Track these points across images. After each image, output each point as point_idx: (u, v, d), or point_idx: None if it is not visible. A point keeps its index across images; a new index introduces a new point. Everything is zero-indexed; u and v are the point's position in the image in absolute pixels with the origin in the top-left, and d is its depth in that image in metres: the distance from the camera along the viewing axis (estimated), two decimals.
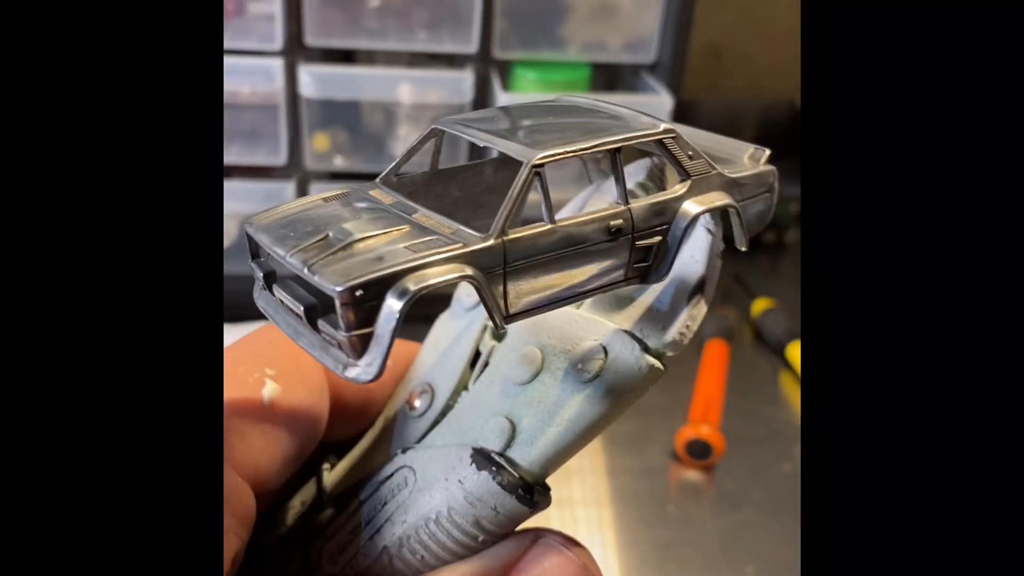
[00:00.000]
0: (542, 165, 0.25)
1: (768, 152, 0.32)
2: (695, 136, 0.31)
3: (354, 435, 0.33)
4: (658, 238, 0.28)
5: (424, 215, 0.25)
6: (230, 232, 0.83)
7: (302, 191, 0.84)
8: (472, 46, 0.80)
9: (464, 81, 0.81)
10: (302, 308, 0.23)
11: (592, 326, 0.29)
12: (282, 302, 0.24)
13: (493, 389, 0.30)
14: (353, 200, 0.26)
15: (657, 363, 0.28)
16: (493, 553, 0.26)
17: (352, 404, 0.32)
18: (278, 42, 0.77)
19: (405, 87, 0.82)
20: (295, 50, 0.78)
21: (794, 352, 0.83)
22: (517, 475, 0.28)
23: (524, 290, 0.25)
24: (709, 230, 0.29)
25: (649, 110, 0.30)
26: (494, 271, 0.24)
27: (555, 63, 0.82)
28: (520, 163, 0.25)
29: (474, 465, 0.28)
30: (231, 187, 0.81)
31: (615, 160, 0.27)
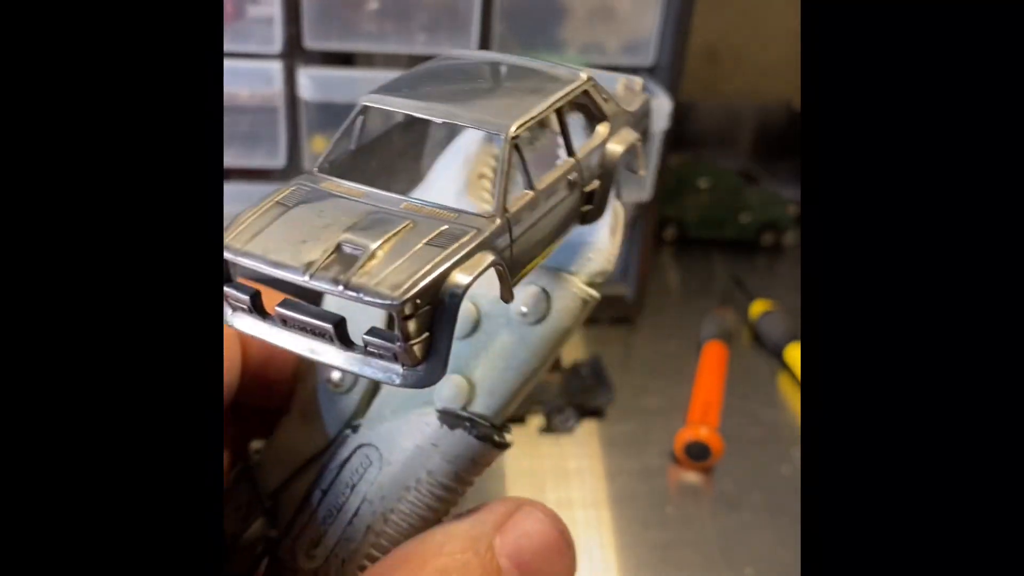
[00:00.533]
0: (517, 136, 0.25)
1: (642, 80, 0.34)
2: None
3: (262, 400, 0.33)
4: (598, 182, 0.29)
5: (410, 204, 0.25)
6: None
7: None
8: (471, 48, 0.80)
9: None
10: (331, 326, 0.23)
11: None
12: (287, 322, 0.23)
13: None
14: (317, 198, 0.25)
15: (595, 292, 0.30)
16: (482, 517, 0.27)
17: (255, 359, 0.32)
18: (277, 45, 0.77)
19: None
20: (294, 53, 0.78)
21: (792, 354, 0.83)
22: (488, 423, 0.29)
23: (521, 258, 0.26)
24: None
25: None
26: (504, 249, 0.25)
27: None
28: (483, 134, 0.26)
29: (445, 426, 0.29)
30: (229, 189, 0.81)
31: (560, 116, 0.28)
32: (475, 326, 0.30)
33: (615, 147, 0.30)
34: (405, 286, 0.21)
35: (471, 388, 0.29)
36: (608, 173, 0.30)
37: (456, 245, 0.23)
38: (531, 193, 0.26)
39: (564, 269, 0.30)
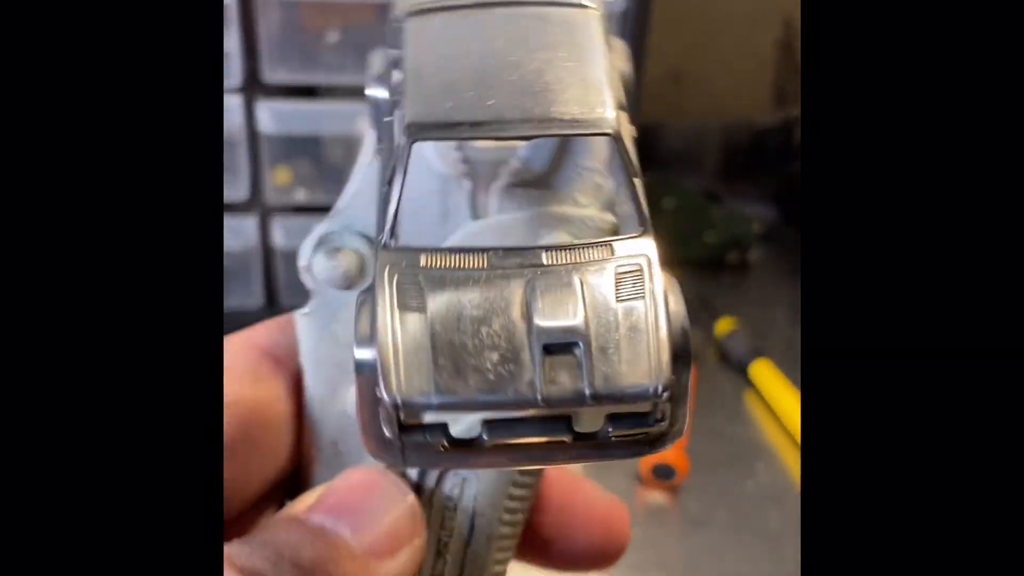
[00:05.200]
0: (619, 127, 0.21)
1: None
2: None
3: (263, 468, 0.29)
4: (625, 115, 0.25)
5: (551, 253, 0.20)
6: None
7: (264, 225, 0.84)
8: None
9: None
10: (568, 434, 0.19)
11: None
12: (499, 447, 0.20)
13: None
14: (440, 288, 0.20)
15: (613, 217, 0.27)
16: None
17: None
18: (235, 79, 0.78)
19: (365, 121, 0.83)
20: (253, 86, 0.79)
21: (757, 370, 0.84)
22: None
23: None
24: None
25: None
26: None
27: None
28: (602, 136, 0.21)
29: None
30: None
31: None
32: None
33: (624, 66, 0.25)
34: (653, 364, 0.18)
35: None
36: (628, 99, 0.25)
37: (651, 287, 0.20)
38: (641, 180, 0.22)
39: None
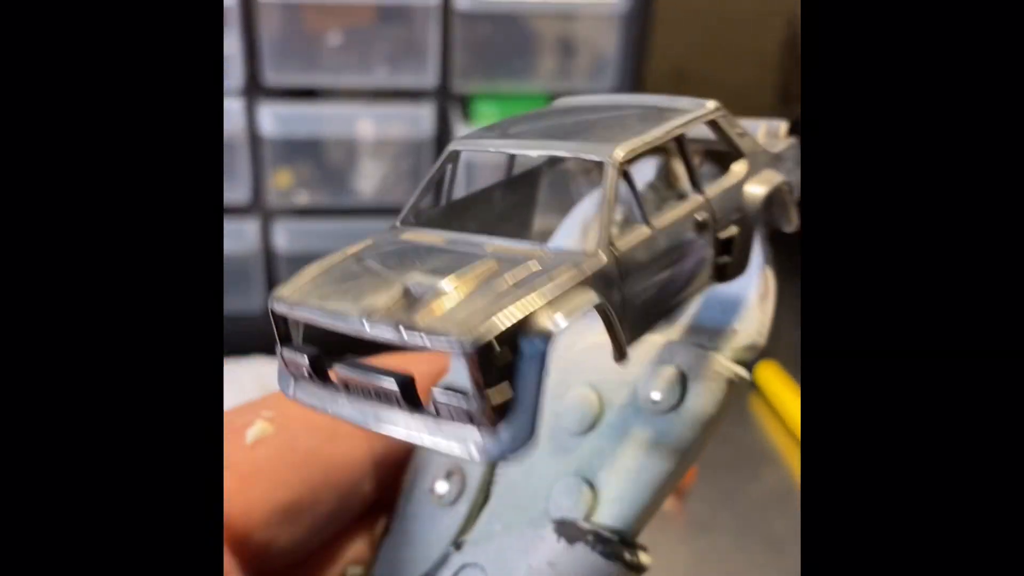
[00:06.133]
0: (628, 162, 0.21)
1: (787, 124, 0.29)
2: None
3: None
4: (736, 229, 0.24)
5: (500, 244, 0.21)
6: None
7: (265, 228, 0.84)
8: (431, 81, 0.80)
9: (423, 115, 0.81)
10: (396, 384, 0.19)
11: (645, 347, 0.25)
12: (348, 386, 0.20)
13: (543, 449, 0.25)
14: (394, 248, 0.21)
15: (743, 372, 0.25)
16: None
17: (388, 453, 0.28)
18: (236, 81, 0.78)
19: (366, 123, 0.82)
20: (254, 89, 0.79)
21: (762, 373, 0.83)
22: (616, 538, 0.24)
23: (637, 309, 0.21)
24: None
25: None
26: (612, 292, 0.20)
27: (515, 95, 0.83)
28: (600, 164, 0.21)
29: (563, 540, 0.24)
30: None
31: (682, 146, 0.23)
32: (597, 418, 0.25)
33: (757, 189, 0.25)
34: (481, 327, 0.17)
35: (594, 494, 0.24)
36: (749, 219, 0.25)
37: (549, 284, 0.19)
38: (647, 230, 0.21)
39: (704, 344, 0.25)
